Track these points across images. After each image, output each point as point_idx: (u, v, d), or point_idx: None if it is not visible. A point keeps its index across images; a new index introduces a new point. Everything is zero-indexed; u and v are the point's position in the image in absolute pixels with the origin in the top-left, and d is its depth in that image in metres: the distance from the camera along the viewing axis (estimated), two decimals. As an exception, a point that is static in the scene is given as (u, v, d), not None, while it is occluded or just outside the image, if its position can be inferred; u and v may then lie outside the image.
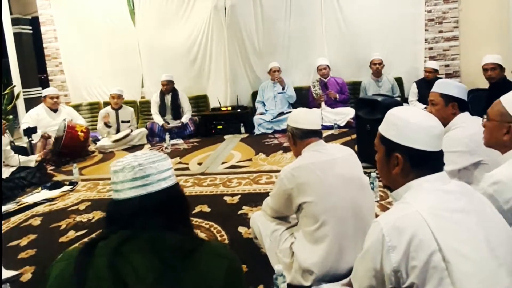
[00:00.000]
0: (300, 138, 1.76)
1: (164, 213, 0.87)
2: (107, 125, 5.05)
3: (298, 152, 1.78)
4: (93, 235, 2.53)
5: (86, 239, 2.49)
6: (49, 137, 4.55)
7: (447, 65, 5.63)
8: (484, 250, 0.87)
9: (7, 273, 2.10)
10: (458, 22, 5.50)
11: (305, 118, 1.78)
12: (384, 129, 1.06)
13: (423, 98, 4.92)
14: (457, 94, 1.92)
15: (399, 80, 5.51)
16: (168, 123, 5.37)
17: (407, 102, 5.16)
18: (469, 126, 1.84)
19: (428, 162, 0.99)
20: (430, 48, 5.65)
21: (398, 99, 4.92)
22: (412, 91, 5.12)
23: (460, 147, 1.80)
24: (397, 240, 0.87)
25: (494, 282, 0.85)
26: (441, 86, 1.98)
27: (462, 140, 1.80)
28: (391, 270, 0.87)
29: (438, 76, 5.06)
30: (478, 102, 3.63)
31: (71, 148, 4.41)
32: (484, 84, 4.02)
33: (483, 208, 0.96)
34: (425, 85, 4.97)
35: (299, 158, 1.75)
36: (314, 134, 1.76)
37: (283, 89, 5.47)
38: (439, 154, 1.01)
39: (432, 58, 5.57)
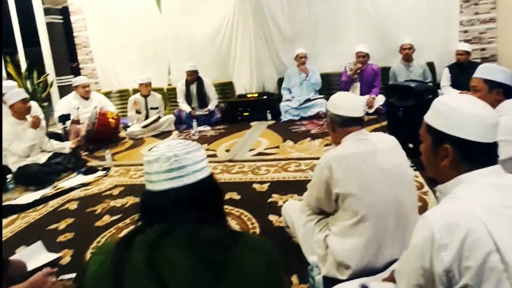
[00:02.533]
0: (340, 125, 1.66)
1: (200, 206, 0.85)
2: (138, 111, 5.16)
3: (338, 140, 1.69)
4: (128, 220, 2.61)
5: (121, 224, 2.56)
6: (79, 122, 4.69)
7: (483, 49, 5.37)
8: None
9: (48, 256, 2.19)
10: (496, 3, 5.20)
11: (346, 104, 1.66)
12: (431, 118, 0.99)
13: (456, 83, 4.73)
14: (502, 79, 1.81)
15: (431, 65, 5.29)
16: (195, 110, 5.42)
17: (439, 88, 4.97)
18: None
19: (481, 154, 0.92)
20: (465, 31, 5.39)
21: (430, 84, 4.74)
22: (444, 76, 4.91)
23: (506, 135, 1.70)
24: (449, 238, 0.82)
25: None
26: (485, 71, 1.87)
27: (508, 128, 1.71)
28: (443, 270, 0.82)
29: (472, 60, 4.83)
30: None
31: (103, 135, 4.55)
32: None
33: None
34: (457, 69, 4.78)
35: (339, 147, 1.66)
36: (355, 122, 1.64)
37: (306, 77, 5.39)
38: (494, 146, 0.93)
39: (467, 41, 5.29)
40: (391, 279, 1.25)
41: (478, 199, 0.86)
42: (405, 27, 5.34)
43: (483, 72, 1.88)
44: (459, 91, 4.46)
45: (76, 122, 4.68)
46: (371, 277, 1.50)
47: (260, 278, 0.79)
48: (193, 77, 5.45)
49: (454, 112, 0.93)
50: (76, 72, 6.64)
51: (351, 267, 1.57)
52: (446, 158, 0.95)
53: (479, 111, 0.93)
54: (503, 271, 0.78)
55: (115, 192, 3.17)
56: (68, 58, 6.71)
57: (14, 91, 3.69)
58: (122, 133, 5.15)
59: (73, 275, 1.97)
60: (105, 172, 3.66)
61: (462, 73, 4.63)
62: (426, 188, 2.60)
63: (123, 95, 6.29)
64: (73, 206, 2.97)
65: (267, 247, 0.85)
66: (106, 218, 2.67)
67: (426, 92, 3.09)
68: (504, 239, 0.79)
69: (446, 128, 0.94)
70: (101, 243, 2.30)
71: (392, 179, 1.57)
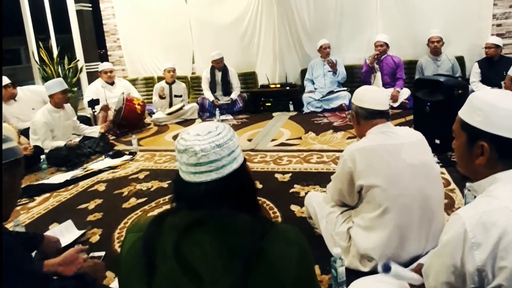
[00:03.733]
0: (365, 118, 1.66)
1: (230, 197, 0.84)
2: (161, 97, 5.26)
3: (362, 133, 1.69)
4: (153, 203, 2.69)
5: (147, 207, 2.65)
6: (109, 108, 4.85)
7: (517, 44, 5.17)
8: None
9: (78, 233, 2.30)
10: (535, -5, 4.99)
11: (371, 97, 1.66)
12: (467, 114, 0.95)
13: (486, 78, 4.58)
14: None
15: (460, 59, 5.12)
16: (218, 99, 5.49)
17: (468, 83, 4.83)
18: None
19: None
20: (499, 25, 5.19)
21: (460, 79, 4.61)
22: (474, 71, 4.75)
23: None
24: (483, 236, 0.80)
25: None
26: None
27: None
28: (475, 269, 0.81)
29: (502, 55, 4.66)
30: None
31: (129, 120, 4.69)
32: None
33: None
34: (487, 64, 4.62)
35: (364, 139, 1.66)
36: (380, 115, 1.65)
37: (334, 74, 5.32)
38: None
39: (500, 35, 5.10)
40: (417, 271, 1.23)
41: None
42: (434, 19, 5.18)
43: None
44: (490, 87, 4.33)
45: (106, 108, 4.82)
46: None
47: (291, 270, 0.78)
48: (222, 65, 5.50)
49: (493, 109, 0.90)
50: (104, 59, 6.81)
51: (374, 259, 1.57)
52: (482, 156, 0.92)
53: None
54: None
55: (141, 176, 3.27)
56: (96, 45, 6.88)
57: (54, 81, 3.81)
58: (147, 119, 5.29)
59: (102, 253, 2.06)
60: (131, 156, 3.78)
61: (492, 68, 4.48)
62: (453, 185, 2.56)
63: (149, 82, 6.43)
64: (101, 187, 3.08)
65: (298, 238, 0.84)
66: (133, 201, 2.76)
67: (456, 87, 3.02)
68: None
69: (483, 125, 0.91)
70: (137, 220, 2.37)
71: (418, 173, 1.56)
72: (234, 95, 5.52)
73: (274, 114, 5.26)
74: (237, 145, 0.87)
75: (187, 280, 0.75)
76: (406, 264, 1.54)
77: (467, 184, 2.06)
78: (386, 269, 1.18)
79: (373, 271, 1.57)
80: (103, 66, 5.21)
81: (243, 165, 0.88)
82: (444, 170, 2.75)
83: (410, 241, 1.55)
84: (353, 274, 1.58)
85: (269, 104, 5.43)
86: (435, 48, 4.92)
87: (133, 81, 6.13)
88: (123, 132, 4.68)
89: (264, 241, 0.78)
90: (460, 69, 5.03)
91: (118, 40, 6.66)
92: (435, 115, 3.07)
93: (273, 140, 4.02)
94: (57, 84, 3.74)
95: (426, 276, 0.98)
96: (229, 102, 5.44)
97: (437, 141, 2.98)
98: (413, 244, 1.56)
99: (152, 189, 2.97)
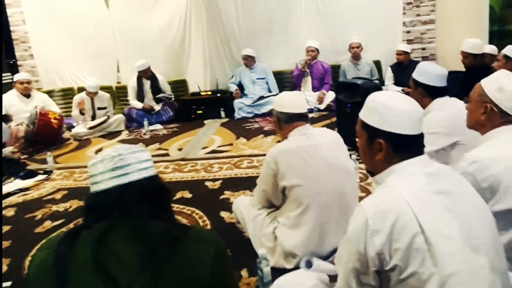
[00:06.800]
0: (286, 122, 1.75)
1: (146, 202, 0.86)
2: (81, 112, 4.87)
3: (285, 136, 1.77)
4: (72, 224, 2.47)
5: (64, 229, 2.42)
6: (10, 119, 4.36)
7: (423, 48, 5.72)
8: (464, 230, 0.88)
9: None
10: (435, 5, 5.57)
11: (290, 102, 1.76)
12: (366, 115, 1.05)
13: (398, 81, 5.02)
14: (424, 80, 1.93)
15: (377, 63, 5.56)
16: (150, 105, 5.27)
17: (384, 85, 5.23)
18: (446, 108, 1.87)
19: (410, 146, 0.99)
20: (408, 32, 5.72)
21: (377, 82, 4.96)
22: (388, 75, 5.20)
23: (438, 128, 1.83)
24: (380, 223, 0.87)
25: (474, 262, 0.86)
26: (415, 71, 2.01)
27: (440, 122, 1.84)
28: (375, 253, 0.88)
29: (412, 59, 5.12)
30: (454, 85, 3.69)
31: (44, 136, 4.26)
32: (461, 67, 4.07)
33: (462, 189, 0.98)
34: (398, 68, 5.08)
35: (285, 142, 1.74)
36: (300, 118, 1.74)
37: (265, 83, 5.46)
38: (420, 137, 1.01)
39: (409, 41, 5.64)
40: (333, 262, 1.31)
41: (406, 186, 0.93)
42: (354, 26, 5.56)
43: (415, 70, 2.00)
44: (401, 88, 4.75)
45: (7, 119, 4.32)
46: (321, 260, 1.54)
47: (207, 268, 0.80)
48: (149, 74, 5.29)
49: (386, 109, 1.00)
50: (15, 69, 6.16)
51: (297, 255, 1.63)
52: (380, 152, 1.01)
53: (406, 107, 1.00)
54: (427, 251, 0.85)
55: (58, 196, 3.00)
56: (4, 55, 6.19)
57: None
58: (66, 134, 4.85)
59: (8, 283, 1.89)
60: (46, 175, 3.45)
61: (402, 71, 4.93)
62: (370, 179, 2.71)
63: (67, 93, 5.92)
64: (9, 213, 2.77)
65: (214, 238, 0.88)
66: (48, 224, 2.54)
67: (371, 89, 3.22)
68: (428, 222, 0.86)
69: (379, 124, 1.00)
70: (47, 239, 2.17)
71: (335, 170, 1.66)
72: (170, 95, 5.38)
73: (205, 121, 5.19)
74: (151, 159, 0.93)
75: (102, 287, 0.74)
76: (327, 257, 1.61)
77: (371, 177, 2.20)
78: (308, 265, 1.26)
79: (297, 267, 1.61)
80: (18, 76, 4.66)
81: (157, 176, 0.93)
82: (362, 165, 2.89)
83: (330, 235, 1.64)
84: (280, 273, 1.60)
85: (201, 111, 5.34)
86: (355, 53, 5.26)
87: (49, 93, 5.58)
88: (37, 150, 4.23)
89: (180, 242, 0.81)
90: (377, 72, 5.43)
91: (30, 49, 6.08)
92: (355, 115, 3.20)
93: (204, 148, 3.94)
94: None
95: (337, 265, 1.04)
96: (171, 96, 5.29)
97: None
98: (332, 237, 1.64)
99: (70, 209, 2.74)
